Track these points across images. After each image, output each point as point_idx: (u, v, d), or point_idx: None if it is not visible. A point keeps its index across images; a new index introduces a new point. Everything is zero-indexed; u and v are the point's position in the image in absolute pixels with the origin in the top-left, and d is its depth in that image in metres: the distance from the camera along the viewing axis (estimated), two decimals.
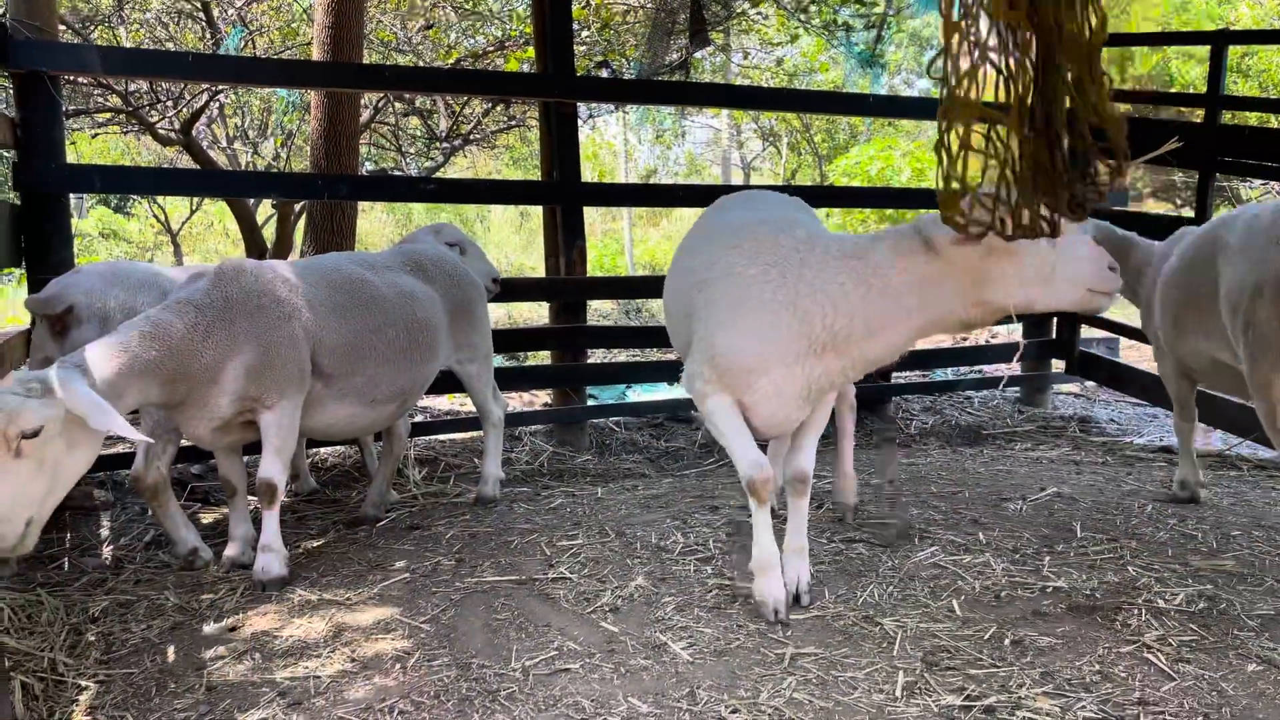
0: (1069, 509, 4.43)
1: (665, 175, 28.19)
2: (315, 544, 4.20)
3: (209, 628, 3.31)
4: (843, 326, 3.04)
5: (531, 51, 7.85)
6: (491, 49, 11.04)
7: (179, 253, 19.14)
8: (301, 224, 9.18)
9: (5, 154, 8.52)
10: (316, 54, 7.29)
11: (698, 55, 9.57)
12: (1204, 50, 8.63)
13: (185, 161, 11.24)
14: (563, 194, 5.89)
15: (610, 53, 10.77)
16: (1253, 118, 12.01)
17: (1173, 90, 13.54)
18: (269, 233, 11.12)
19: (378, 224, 21.26)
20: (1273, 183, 11.89)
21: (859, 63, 11.79)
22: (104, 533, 4.41)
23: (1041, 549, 3.85)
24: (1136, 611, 3.22)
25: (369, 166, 12.63)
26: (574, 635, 3.14)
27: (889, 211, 12.90)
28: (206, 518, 4.68)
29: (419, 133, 12.26)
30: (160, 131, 9.64)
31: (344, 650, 3.10)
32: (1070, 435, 6.10)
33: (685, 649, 3.02)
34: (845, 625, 3.17)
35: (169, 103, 9.70)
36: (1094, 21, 2.51)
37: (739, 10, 11.43)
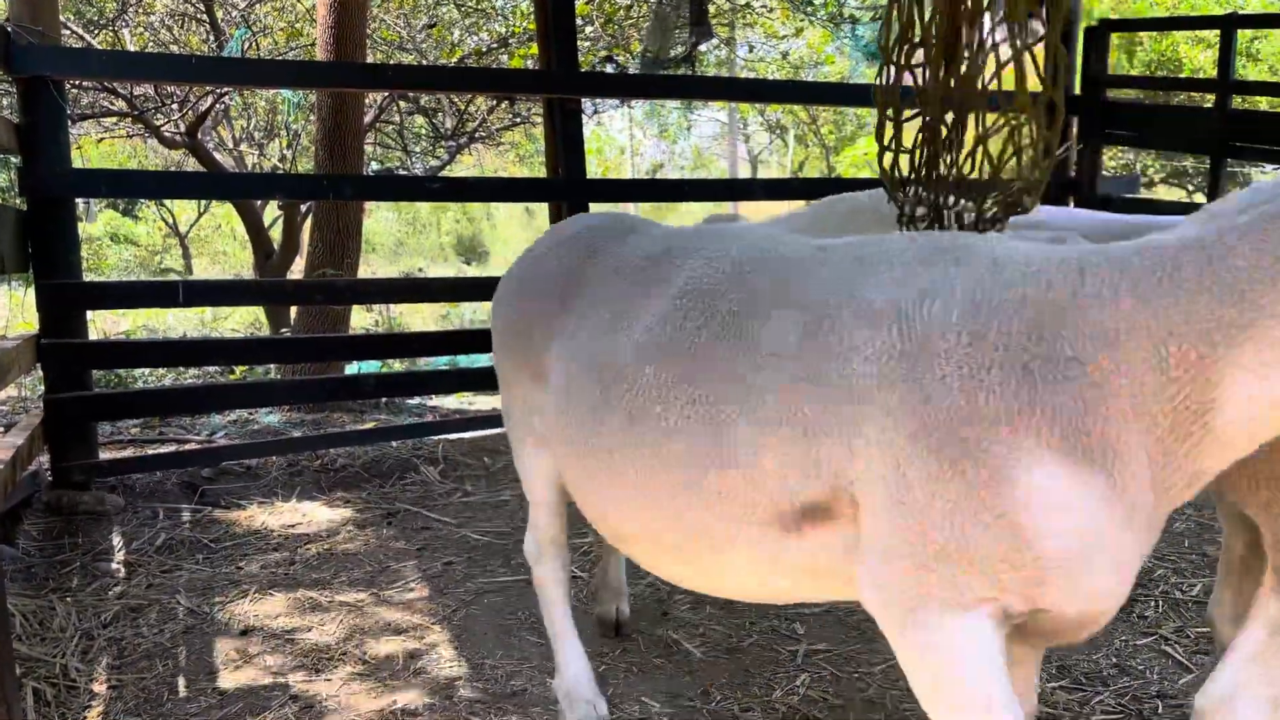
0: None
1: (671, 170, 28.16)
2: (326, 545, 4.19)
3: (220, 632, 3.31)
4: None
5: (535, 48, 7.84)
6: (495, 46, 11.01)
7: (187, 255, 19.18)
8: (308, 225, 9.18)
9: (11, 159, 8.54)
10: (320, 54, 7.28)
11: (702, 49, 9.52)
12: (1214, 34, 8.56)
13: (192, 164, 11.26)
14: (569, 191, 5.86)
15: (615, 47, 10.72)
16: (1264, 102, 11.92)
17: (1182, 75, 13.42)
18: (276, 234, 11.14)
19: (384, 224, 21.30)
20: None
21: (864, 55, 11.73)
22: (115, 538, 4.41)
23: None
24: (1153, 603, 3.19)
25: (374, 166, 12.61)
26: (587, 634, 3.13)
27: None
28: (220, 521, 4.68)
29: (424, 131, 12.24)
30: (166, 135, 9.64)
31: (356, 652, 3.09)
32: None
33: (698, 647, 3.01)
34: (858, 620, 3.15)
35: (174, 106, 9.70)
36: None
37: (743, 3, 11.37)
